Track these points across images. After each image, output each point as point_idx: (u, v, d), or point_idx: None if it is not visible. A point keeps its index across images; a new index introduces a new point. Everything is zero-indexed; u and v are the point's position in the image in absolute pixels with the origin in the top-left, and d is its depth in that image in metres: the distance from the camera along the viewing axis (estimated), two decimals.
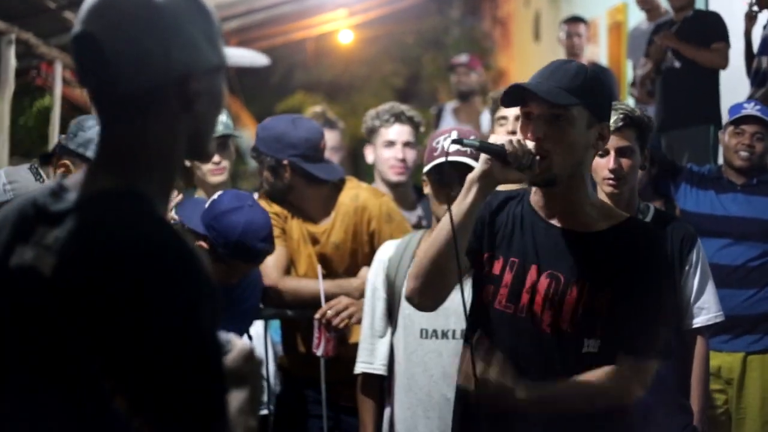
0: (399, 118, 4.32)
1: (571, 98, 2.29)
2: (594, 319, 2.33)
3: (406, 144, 4.30)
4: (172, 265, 1.35)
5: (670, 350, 2.46)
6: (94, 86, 1.45)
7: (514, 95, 2.35)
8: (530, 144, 2.28)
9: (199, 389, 1.35)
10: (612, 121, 3.04)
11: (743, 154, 4.42)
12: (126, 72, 1.41)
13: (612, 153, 3.13)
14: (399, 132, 4.31)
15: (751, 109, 4.46)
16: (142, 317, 1.32)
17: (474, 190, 2.32)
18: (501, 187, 2.42)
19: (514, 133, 3.53)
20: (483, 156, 2.32)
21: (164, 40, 1.41)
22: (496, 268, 2.43)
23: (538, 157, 2.28)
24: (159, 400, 1.34)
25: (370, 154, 4.49)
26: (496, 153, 2.27)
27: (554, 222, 2.40)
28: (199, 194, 4.14)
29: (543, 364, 2.35)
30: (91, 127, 3.10)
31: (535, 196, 2.43)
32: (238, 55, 1.56)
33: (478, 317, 2.45)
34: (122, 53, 1.40)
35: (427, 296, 2.44)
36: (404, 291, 2.63)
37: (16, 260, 1.40)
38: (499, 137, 2.30)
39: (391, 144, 4.31)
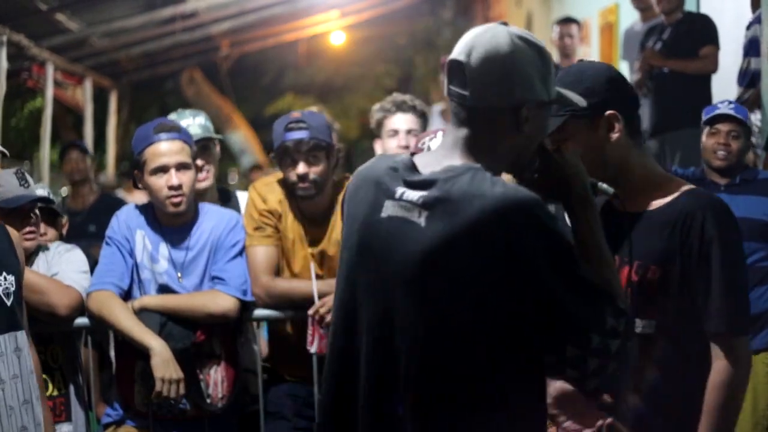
0: (401, 107, 4.35)
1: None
2: (645, 299, 2.29)
3: (410, 132, 4.32)
4: (533, 207, 1.88)
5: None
6: (456, 99, 1.99)
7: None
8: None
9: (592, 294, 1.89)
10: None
11: (720, 153, 4.41)
12: (477, 94, 1.96)
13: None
14: (402, 121, 4.34)
15: (724, 108, 4.46)
16: (537, 247, 1.85)
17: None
18: None
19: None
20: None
21: (508, 77, 1.95)
22: None
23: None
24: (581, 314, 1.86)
25: (378, 148, 4.50)
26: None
27: (623, 208, 2.39)
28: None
29: None
30: None
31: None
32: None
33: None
34: (477, 81, 1.96)
35: None
36: None
37: (387, 212, 1.97)
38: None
39: (395, 133, 4.35)
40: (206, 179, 4.03)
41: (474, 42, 1.98)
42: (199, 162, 3.99)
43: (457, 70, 1.99)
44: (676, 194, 2.32)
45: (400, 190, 1.97)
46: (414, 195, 1.94)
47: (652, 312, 2.30)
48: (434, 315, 1.91)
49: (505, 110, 1.97)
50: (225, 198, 4.20)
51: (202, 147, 4.02)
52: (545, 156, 2.08)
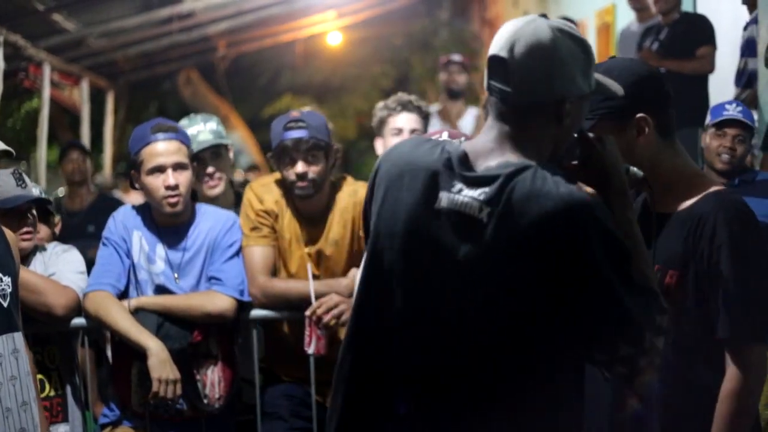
0: (406, 106, 4.35)
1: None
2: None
3: (413, 131, 4.32)
4: (595, 207, 1.89)
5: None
6: (497, 95, 1.98)
7: None
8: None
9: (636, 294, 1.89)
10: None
11: (725, 156, 4.39)
12: (520, 90, 1.95)
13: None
14: (406, 120, 4.34)
15: (733, 110, 4.44)
16: (593, 245, 1.86)
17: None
18: None
19: None
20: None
21: (551, 73, 1.94)
22: None
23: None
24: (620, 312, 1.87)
25: (380, 147, 4.49)
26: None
27: (653, 207, 2.32)
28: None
29: None
30: None
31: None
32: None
33: None
34: (520, 77, 1.94)
35: None
36: None
37: (442, 204, 1.96)
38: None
39: (399, 132, 4.34)
40: (217, 185, 4.03)
41: (515, 37, 1.96)
42: (211, 169, 4.00)
43: (498, 65, 1.97)
44: (700, 195, 2.27)
45: (457, 184, 1.96)
46: (474, 191, 1.93)
47: (671, 316, 2.21)
48: (488, 309, 1.91)
49: (548, 105, 1.96)
50: (239, 200, 4.19)
51: (213, 153, 4.02)
52: (588, 145, 2.06)
